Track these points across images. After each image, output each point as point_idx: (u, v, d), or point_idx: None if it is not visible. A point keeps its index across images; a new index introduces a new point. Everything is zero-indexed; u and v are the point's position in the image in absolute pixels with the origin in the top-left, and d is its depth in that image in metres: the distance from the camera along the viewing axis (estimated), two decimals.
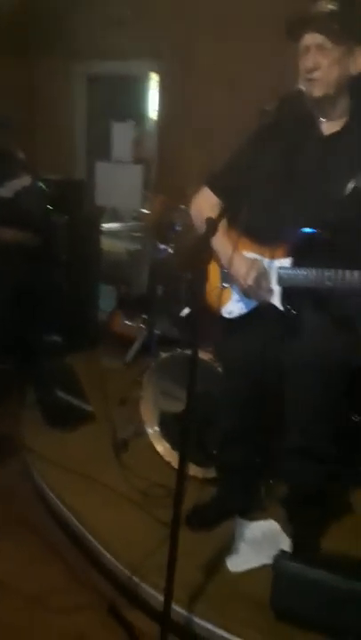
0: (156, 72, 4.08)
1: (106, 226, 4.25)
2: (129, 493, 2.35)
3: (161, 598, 1.76)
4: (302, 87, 1.65)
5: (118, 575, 2.02)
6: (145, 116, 4.38)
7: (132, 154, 4.11)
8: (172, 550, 1.62)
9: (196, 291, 1.48)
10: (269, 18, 3.26)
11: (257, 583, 1.92)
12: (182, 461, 1.57)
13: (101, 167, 4.22)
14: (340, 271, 1.59)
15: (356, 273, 1.56)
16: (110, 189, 4.23)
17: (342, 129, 1.73)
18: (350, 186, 1.67)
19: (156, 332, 2.77)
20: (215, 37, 3.63)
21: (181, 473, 1.56)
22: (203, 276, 1.47)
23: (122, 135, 4.12)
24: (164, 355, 2.53)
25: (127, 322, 3.40)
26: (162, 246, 2.71)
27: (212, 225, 1.39)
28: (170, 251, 2.70)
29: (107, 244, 4.20)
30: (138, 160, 4.14)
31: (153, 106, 4.34)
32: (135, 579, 1.95)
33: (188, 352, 2.34)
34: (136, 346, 2.29)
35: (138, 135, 4.18)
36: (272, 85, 3.18)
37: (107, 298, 3.86)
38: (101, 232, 4.03)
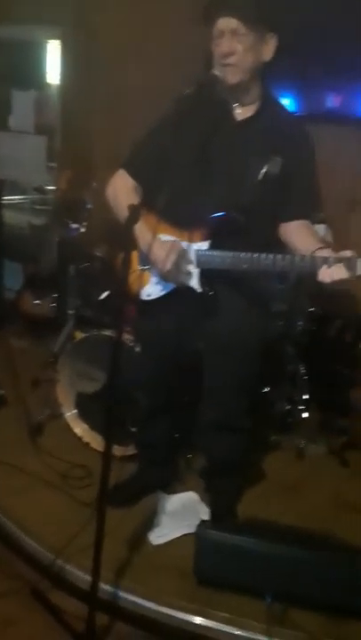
0: (59, 38, 3.89)
1: (5, 198, 4.05)
2: (48, 476, 2.32)
3: (86, 578, 1.78)
4: (217, 72, 1.67)
5: (42, 559, 2.01)
6: (47, 85, 4.18)
7: (33, 123, 3.92)
8: (99, 529, 1.64)
9: (121, 277, 1.47)
10: None
11: (180, 553, 2.00)
12: (108, 440, 1.59)
13: (0, 137, 3.99)
14: (255, 254, 1.65)
15: (270, 256, 1.63)
16: (11, 161, 4.01)
17: (254, 114, 1.79)
18: (263, 170, 1.73)
19: (70, 312, 2.72)
20: (121, 7, 3.52)
21: (107, 452, 1.58)
22: (128, 263, 1.47)
23: (22, 104, 3.91)
24: (80, 335, 2.50)
25: (36, 301, 3.30)
26: (73, 225, 2.65)
27: (134, 212, 1.39)
28: (82, 230, 2.65)
29: (8, 216, 4.01)
30: (41, 130, 3.96)
31: (55, 74, 4.14)
32: (59, 561, 1.95)
33: (105, 333, 2.35)
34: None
35: (40, 104, 3.98)
36: (180, 58, 3.22)
37: (13, 275, 3.71)
38: (2, 205, 3.85)
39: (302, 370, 2.74)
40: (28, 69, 4.23)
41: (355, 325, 3.12)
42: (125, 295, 1.81)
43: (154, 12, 3.40)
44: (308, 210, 1.86)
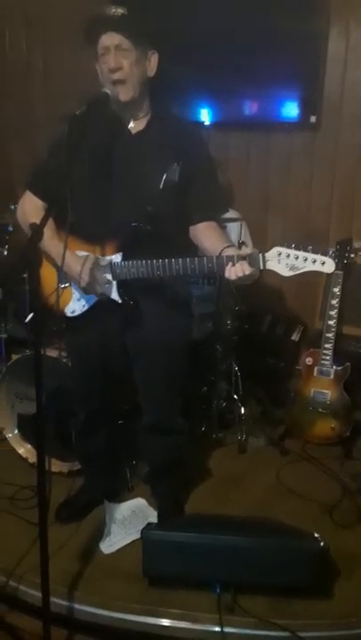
0: None
1: None
2: None
3: (40, 595, 1.81)
4: (107, 90, 1.74)
5: None
6: None
7: None
8: (43, 546, 1.67)
9: (33, 295, 1.52)
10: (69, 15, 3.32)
11: (130, 558, 2.05)
12: (40, 456, 1.63)
13: None
14: (166, 260, 1.72)
15: (180, 260, 1.71)
16: None
17: (147, 126, 1.87)
18: (162, 179, 1.82)
19: (2, 335, 2.73)
20: (24, 23, 3.57)
21: (41, 467, 1.62)
22: (37, 281, 1.52)
23: None
24: (14, 357, 2.52)
25: None
26: None
27: (36, 230, 1.44)
28: (4, 253, 2.67)
29: None
30: None
31: None
32: (12, 582, 1.96)
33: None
34: None
35: None
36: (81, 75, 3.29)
37: None
38: None
39: (235, 367, 2.84)
40: None
41: (283, 319, 3.27)
42: (44, 313, 1.84)
43: (55, 32, 3.46)
44: (212, 211, 1.94)
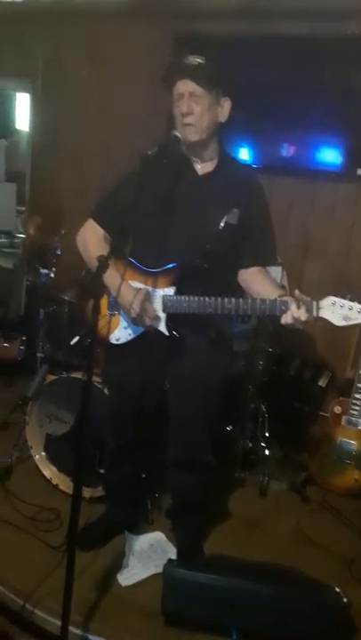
0: (29, 91, 4.06)
1: None
2: (16, 520, 2.33)
3: (56, 622, 1.80)
4: (178, 133, 1.83)
5: (10, 604, 2.01)
6: (17, 133, 4.32)
7: (3, 171, 4.04)
8: (68, 573, 1.67)
9: (92, 324, 1.56)
10: (140, 55, 3.50)
11: (148, 593, 2.04)
12: (77, 483, 1.64)
13: None
14: (219, 299, 1.77)
15: (233, 300, 1.76)
16: None
17: (214, 170, 1.95)
18: (223, 221, 1.88)
19: (39, 355, 2.77)
20: (90, 60, 3.72)
21: (76, 495, 1.63)
22: (98, 309, 1.56)
23: None
24: (50, 378, 2.55)
25: (5, 344, 3.34)
26: (43, 270, 2.73)
27: (103, 262, 1.49)
28: (51, 275, 2.73)
29: None
30: (10, 177, 4.08)
31: (24, 123, 4.30)
32: (29, 606, 1.95)
33: (75, 376, 2.42)
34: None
35: (10, 152, 4.11)
36: (141, 117, 3.43)
37: None
38: None
39: (264, 408, 2.85)
40: None
41: (312, 364, 3.28)
42: (95, 340, 1.89)
43: (120, 72, 3.61)
44: (265, 257, 2.00)
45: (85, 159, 3.81)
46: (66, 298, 2.81)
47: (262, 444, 2.81)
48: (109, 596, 2.04)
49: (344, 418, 2.72)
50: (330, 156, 3.22)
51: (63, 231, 2.80)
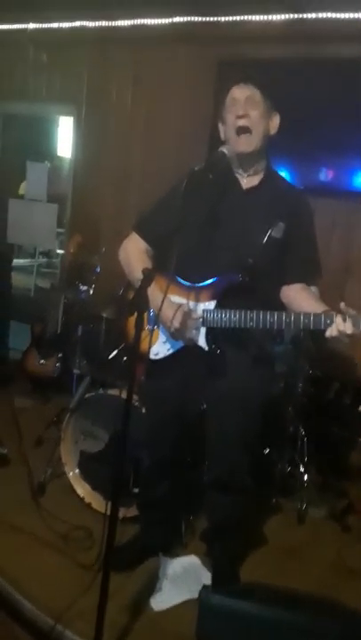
0: (71, 115, 4.18)
1: (14, 261, 4.22)
2: (49, 537, 2.30)
3: None
4: (225, 150, 1.82)
5: (40, 624, 1.97)
6: (60, 157, 4.45)
7: (46, 192, 4.14)
8: (102, 595, 1.63)
9: (135, 339, 1.55)
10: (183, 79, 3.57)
11: (181, 619, 1.96)
12: (114, 502, 1.61)
13: (14, 205, 4.20)
14: (261, 312, 1.74)
15: (275, 314, 1.72)
16: (23, 227, 4.21)
17: (259, 184, 1.93)
18: (267, 235, 1.85)
19: (75, 371, 2.77)
20: (131, 83, 3.81)
21: (113, 514, 1.60)
22: (141, 323, 1.55)
23: (37, 174, 4.15)
24: (86, 395, 2.54)
25: (42, 361, 3.37)
26: (82, 287, 2.75)
27: (148, 275, 1.49)
28: (90, 292, 2.75)
29: (16, 279, 4.15)
30: (52, 199, 4.18)
31: (67, 146, 4.42)
32: (59, 627, 1.91)
33: (111, 392, 2.40)
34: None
35: (53, 175, 4.23)
36: (183, 131, 3.48)
37: (19, 336, 3.79)
38: (12, 269, 3.99)
39: (303, 432, 2.76)
40: (42, 142, 4.51)
41: (352, 388, 3.18)
42: (136, 355, 1.87)
43: (163, 97, 3.69)
44: (310, 274, 1.96)
45: (126, 182, 3.87)
46: (104, 315, 2.82)
47: (301, 469, 2.72)
48: (142, 620, 1.97)
49: None
50: None
51: (104, 249, 2.82)
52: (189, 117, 3.56)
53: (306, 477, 2.71)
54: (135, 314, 1.55)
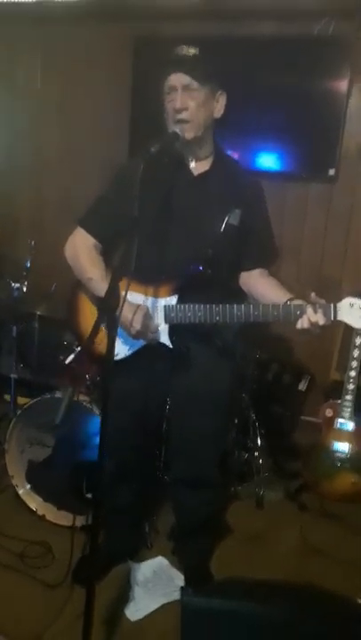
0: None
1: None
2: (2, 559, 2.12)
3: None
4: (177, 130, 1.69)
5: None
6: None
7: None
8: (87, 615, 1.51)
9: (110, 340, 1.41)
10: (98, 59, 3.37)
11: (159, 626, 1.90)
12: (96, 512, 1.50)
13: None
14: (227, 306, 1.66)
15: (243, 307, 1.65)
16: None
17: (210, 169, 1.82)
18: (225, 222, 1.77)
19: (12, 376, 2.56)
20: (42, 63, 3.56)
21: (95, 525, 1.48)
22: (115, 324, 1.42)
23: None
24: (23, 401, 2.35)
25: None
26: (14, 284, 2.52)
27: (116, 274, 1.36)
28: (24, 289, 2.53)
29: None
30: None
31: None
32: None
33: (57, 396, 2.23)
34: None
35: None
36: (99, 112, 3.31)
37: None
38: None
39: (253, 417, 2.76)
40: None
41: (290, 368, 3.22)
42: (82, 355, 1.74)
43: (77, 77, 3.47)
44: (268, 258, 1.91)
45: (41, 169, 3.64)
46: (38, 312, 2.62)
47: (256, 454, 2.72)
48: (120, 634, 1.88)
49: (336, 420, 2.67)
50: (305, 159, 3.18)
51: (33, 242, 2.60)
52: (106, 96, 3.39)
53: (260, 462, 2.72)
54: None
